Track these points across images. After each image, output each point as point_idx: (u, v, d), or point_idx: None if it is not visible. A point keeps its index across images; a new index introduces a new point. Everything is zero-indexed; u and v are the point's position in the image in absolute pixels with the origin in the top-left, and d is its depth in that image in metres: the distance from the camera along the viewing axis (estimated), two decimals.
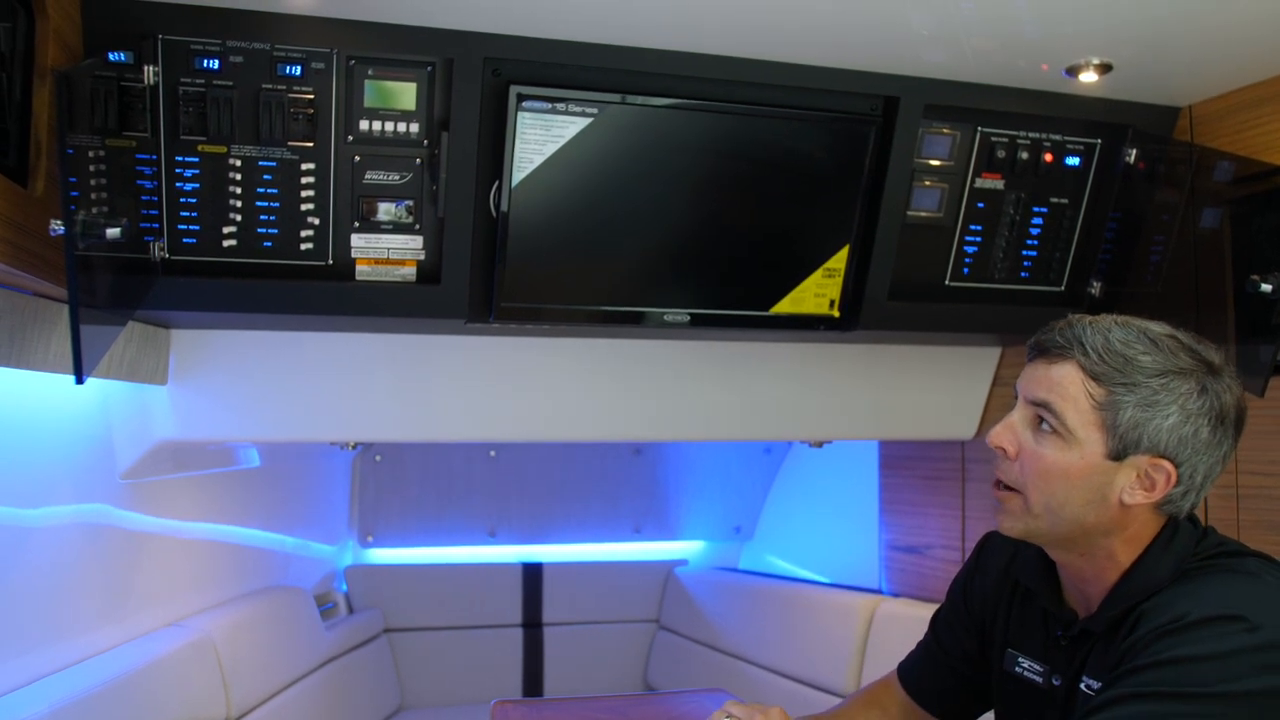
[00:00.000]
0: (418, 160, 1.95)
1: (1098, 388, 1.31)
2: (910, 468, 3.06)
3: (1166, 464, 1.30)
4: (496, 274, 2.00)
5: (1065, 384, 1.33)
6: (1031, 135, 2.20)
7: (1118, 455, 1.31)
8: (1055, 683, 1.44)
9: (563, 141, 1.93)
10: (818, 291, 2.20)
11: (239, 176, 1.86)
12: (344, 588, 3.80)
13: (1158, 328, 1.33)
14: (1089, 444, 1.32)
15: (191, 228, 1.86)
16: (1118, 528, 1.35)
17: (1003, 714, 1.58)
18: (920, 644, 1.73)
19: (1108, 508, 1.33)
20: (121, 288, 1.73)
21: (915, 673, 1.71)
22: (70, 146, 1.49)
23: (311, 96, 1.84)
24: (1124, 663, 1.26)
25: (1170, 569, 1.32)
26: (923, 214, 2.22)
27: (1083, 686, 1.37)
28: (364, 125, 1.89)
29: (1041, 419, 1.35)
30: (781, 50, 1.95)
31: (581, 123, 1.93)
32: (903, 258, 2.23)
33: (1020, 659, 1.51)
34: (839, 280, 2.19)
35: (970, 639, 1.63)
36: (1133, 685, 1.23)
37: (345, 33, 1.80)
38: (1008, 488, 1.40)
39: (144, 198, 1.80)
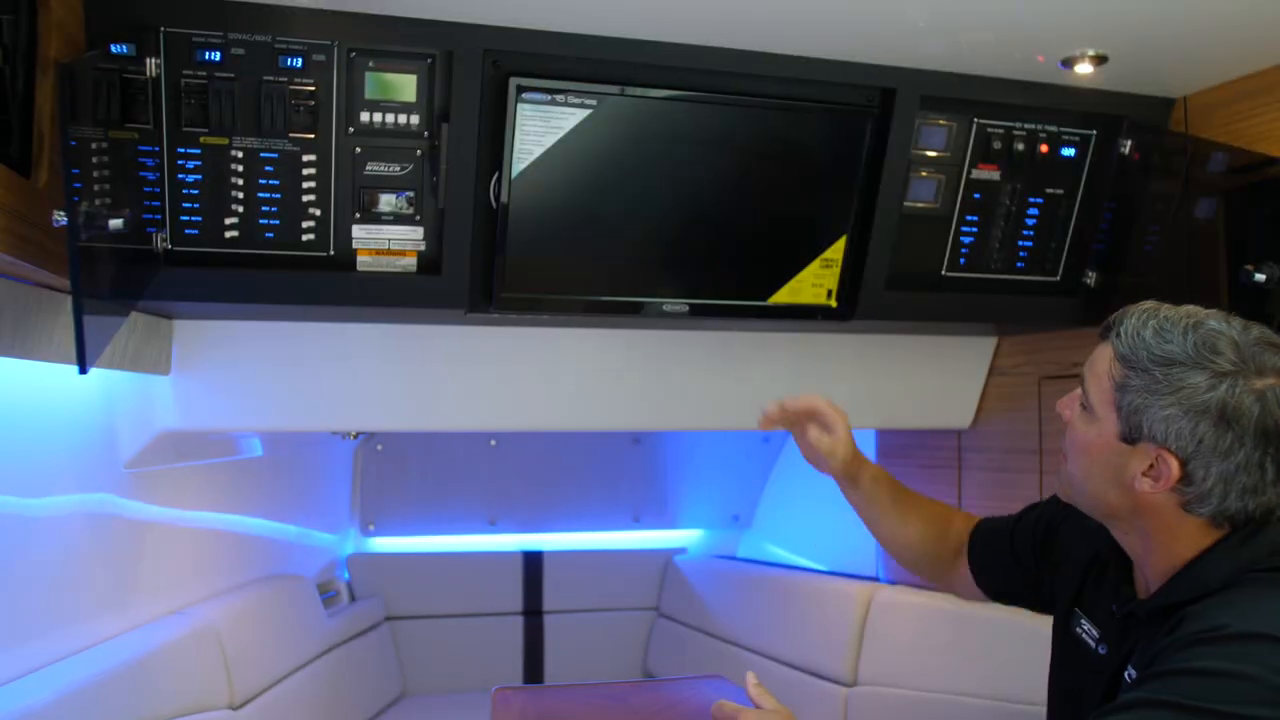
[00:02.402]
0: (418, 152, 1.96)
1: (1119, 368, 1.33)
2: (907, 456, 3.07)
3: (1171, 457, 1.29)
4: (496, 264, 2.02)
5: (1098, 363, 1.37)
6: (1027, 126, 2.21)
7: (1128, 439, 1.32)
8: (1101, 651, 1.46)
9: (562, 133, 1.94)
10: (815, 281, 2.21)
11: (241, 168, 1.87)
12: (346, 576, 3.82)
13: (1218, 324, 1.29)
14: (1106, 422, 1.35)
15: (193, 219, 1.87)
16: (1140, 514, 1.35)
17: (1054, 669, 1.62)
18: (1003, 520, 1.81)
19: (1124, 491, 1.34)
20: (124, 278, 1.74)
21: (982, 541, 1.81)
22: (73, 138, 1.50)
23: (313, 88, 1.85)
24: (1155, 664, 1.25)
25: (1226, 573, 1.29)
26: (919, 205, 2.23)
27: (1126, 675, 1.37)
28: (365, 117, 1.90)
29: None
30: (779, 42, 1.96)
31: (581, 114, 1.94)
32: (899, 248, 2.24)
33: (1083, 620, 1.53)
34: (836, 270, 2.21)
35: (1030, 556, 1.70)
36: (1151, 690, 1.22)
37: (346, 25, 1.81)
38: None
39: (146, 189, 1.81)
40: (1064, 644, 1.58)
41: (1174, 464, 1.29)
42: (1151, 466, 1.31)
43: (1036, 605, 1.76)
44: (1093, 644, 1.49)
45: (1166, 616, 1.31)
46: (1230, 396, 1.25)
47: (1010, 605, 1.82)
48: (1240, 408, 1.25)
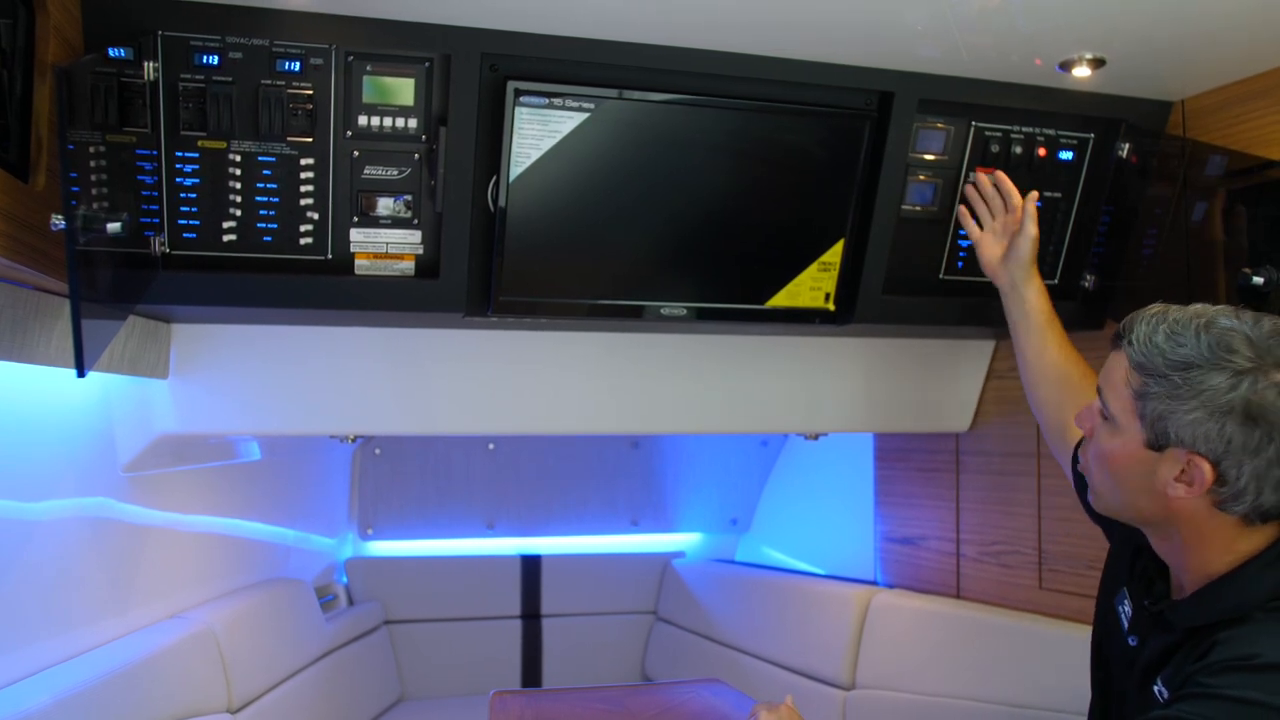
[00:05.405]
0: (416, 155, 1.96)
1: (1136, 377, 1.32)
2: (905, 460, 3.08)
3: (1202, 461, 1.28)
4: (494, 268, 2.02)
5: (1113, 372, 1.36)
6: (1025, 130, 2.22)
7: (1155, 446, 1.31)
8: (1131, 642, 1.45)
9: (560, 136, 1.94)
10: (813, 285, 2.21)
11: (239, 172, 1.87)
12: (344, 580, 3.82)
13: (1229, 321, 1.29)
14: (1129, 432, 1.33)
15: (191, 223, 1.87)
16: (1176, 520, 1.34)
17: (1096, 631, 1.62)
18: None
19: (1156, 498, 1.33)
20: (122, 282, 1.74)
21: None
22: (71, 142, 1.50)
23: (310, 92, 1.85)
24: (1187, 686, 1.25)
25: (1267, 591, 1.28)
26: (917, 208, 2.23)
27: (1155, 689, 1.36)
28: (362, 121, 1.90)
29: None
30: (777, 46, 1.96)
31: (578, 118, 1.94)
32: (897, 251, 2.24)
33: (1125, 601, 1.52)
34: (834, 274, 2.21)
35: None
36: (1181, 711, 1.22)
37: (343, 29, 1.81)
38: None
39: (144, 193, 1.81)
40: (1106, 617, 1.57)
41: (1206, 467, 1.28)
42: (1183, 471, 1.30)
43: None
44: (1125, 626, 1.49)
45: (1198, 641, 1.30)
46: (1253, 393, 1.25)
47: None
48: (1264, 403, 1.25)
